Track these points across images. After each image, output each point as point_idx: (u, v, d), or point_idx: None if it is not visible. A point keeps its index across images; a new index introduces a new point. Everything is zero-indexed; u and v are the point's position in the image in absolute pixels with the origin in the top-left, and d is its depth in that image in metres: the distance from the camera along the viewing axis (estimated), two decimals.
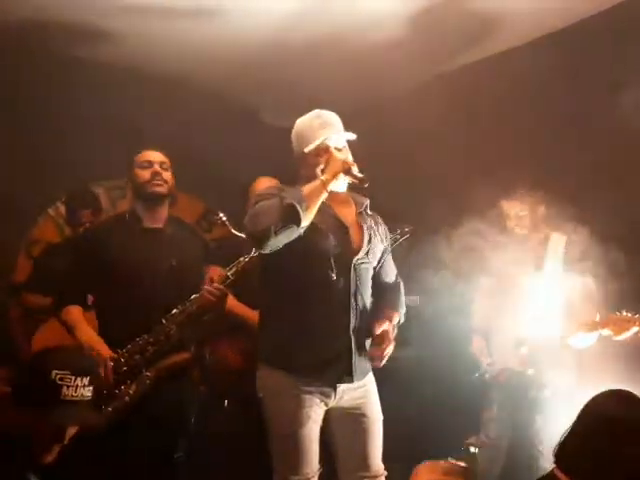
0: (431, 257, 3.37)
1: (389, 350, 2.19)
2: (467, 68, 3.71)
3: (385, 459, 2.27)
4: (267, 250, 2.04)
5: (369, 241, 2.25)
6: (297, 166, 2.28)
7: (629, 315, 2.52)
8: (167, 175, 2.60)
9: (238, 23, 3.29)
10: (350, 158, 2.21)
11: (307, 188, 2.08)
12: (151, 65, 3.73)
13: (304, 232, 2.07)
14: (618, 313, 2.54)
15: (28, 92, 3.49)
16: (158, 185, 2.55)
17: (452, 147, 3.39)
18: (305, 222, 2.02)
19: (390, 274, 2.42)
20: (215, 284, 2.43)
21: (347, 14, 3.20)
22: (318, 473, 2.18)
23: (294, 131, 2.29)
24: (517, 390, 2.96)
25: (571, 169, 3.09)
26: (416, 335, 3.53)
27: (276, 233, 1.98)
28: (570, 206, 2.95)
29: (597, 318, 2.66)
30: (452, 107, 3.34)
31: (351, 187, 2.28)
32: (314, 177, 2.16)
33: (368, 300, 2.25)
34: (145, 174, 2.56)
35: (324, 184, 2.08)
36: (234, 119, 4.17)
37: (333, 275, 2.13)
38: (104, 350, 2.37)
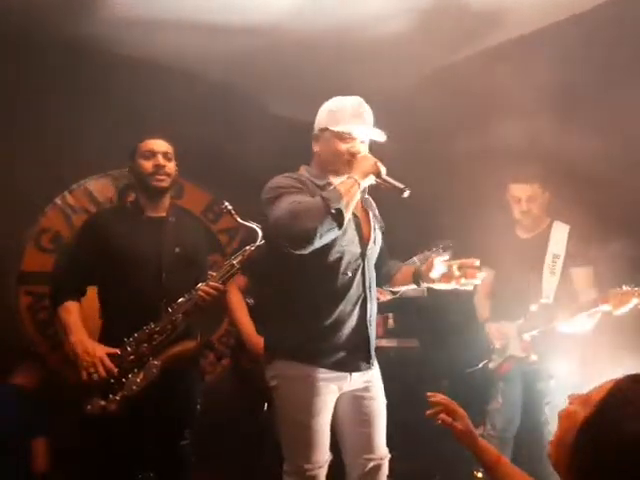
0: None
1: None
2: (471, 59, 3.69)
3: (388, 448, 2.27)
4: (307, 251, 1.98)
5: (374, 229, 2.27)
6: (313, 140, 2.24)
7: (628, 288, 2.50)
8: (170, 167, 2.57)
9: (247, 13, 3.29)
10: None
11: (343, 188, 2.01)
12: (159, 55, 3.73)
13: None
14: (618, 288, 2.53)
15: (33, 82, 3.49)
16: (160, 180, 2.54)
17: (457, 139, 3.38)
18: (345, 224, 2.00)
19: (384, 253, 2.43)
20: (212, 282, 2.41)
21: (357, 4, 3.18)
22: (329, 461, 2.19)
23: (326, 105, 2.23)
24: (523, 380, 2.96)
25: (576, 158, 3.08)
26: (422, 326, 3.54)
27: (321, 236, 1.94)
28: (574, 195, 2.96)
29: None
30: (457, 99, 3.33)
31: None
32: (325, 156, 2.17)
33: (375, 285, 2.29)
34: (147, 166, 2.53)
35: (358, 183, 2.03)
36: (242, 110, 4.16)
37: (349, 273, 2.14)
38: (98, 350, 2.36)
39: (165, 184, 2.56)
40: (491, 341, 3.04)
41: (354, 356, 2.17)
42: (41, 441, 3.05)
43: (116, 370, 2.36)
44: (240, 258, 2.44)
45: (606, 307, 2.55)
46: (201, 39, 3.56)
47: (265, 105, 4.44)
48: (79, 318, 2.46)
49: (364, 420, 2.23)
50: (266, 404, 2.84)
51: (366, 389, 2.24)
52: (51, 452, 3.07)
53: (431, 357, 3.50)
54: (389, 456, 2.26)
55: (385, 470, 2.25)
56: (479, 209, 3.22)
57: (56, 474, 3.04)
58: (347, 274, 2.14)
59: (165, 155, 2.56)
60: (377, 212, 2.40)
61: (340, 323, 2.14)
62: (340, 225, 1.96)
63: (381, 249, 2.38)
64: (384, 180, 2.09)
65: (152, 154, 2.54)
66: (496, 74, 3.32)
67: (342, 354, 2.14)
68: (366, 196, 2.32)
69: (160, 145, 2.57)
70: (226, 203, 2.54)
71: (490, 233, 3.16)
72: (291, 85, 3.94)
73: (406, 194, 2.07)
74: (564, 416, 1.21)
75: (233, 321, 2.91)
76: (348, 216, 2.01)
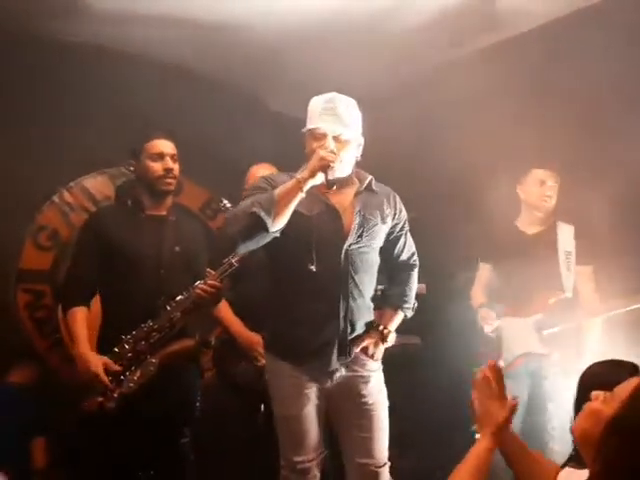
0: (440, 244, 3.36)
1: (376, 356, 2.24)
2: (483, 51, 3.66)
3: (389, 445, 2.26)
4: (241, 252, 2.12)
5: (361, 224, 2.18)
6: (304, 141, 2.23)
7: None
8: (176, 169, 2.57)
9: (244, 7, 3.26)
10: (345, 153, 2.13)
11: (281, 190, 2.02)
12: (158, 52, 3.71)
13: (291, 220, 2.04)
14: None
15: (30, 80, 3.47)
16: (169, 183, 2.54)
17: (467, 131, 3.37)
18: (276, 227, 2.00)
19: (401, 254, 2.36)
20: (210, 281, 2.41)
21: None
22: (321, 456, 2.20)
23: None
24: (529, 377, 2.94)
25: (582, 158, 3.06)
26: (422, 323, 3.51)
27: (243, 240, 2.02)
28: (578, 195, 2.94)
29: None
30: (467, 91, 3.30)
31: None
32: (309, 156, 2.14)
33: (367, 283, 2.22)
34: (157, 168, 2.51)
35: (299, 184, 2.01)
36: (241, 106, 4.14)
37: (313, 267, 2.10)
38: (94, 363, 2.33)
39: (172, 187, 2.57)
40: (483, 320, 2.98)
41: (324, 354, 2.14)
42: (40, 439, 3.04)
43: (109, 380, 2.33)
44: (238, 256, 2.43)
45: None
46: (200, 36, 3.55)
47: (265, 102, 4.43)
48: (84, 325, 2.43)
49: (360, 424, 2.20)
50: (262, 405, 2.82)
51: (363, 393, 2.20)
52: (51, 451, 3.07)
53: (433, 354, 3.49)
54: (388, 463, 2.23)
55: (383, 477, 2.21)
56: (477, 205, 3.22)
57: (56, 473, 3.04)
58: (314, 268, 2.10)
59: (172, 157, 2.55)
60: (388, 210, 2.27)
61: (308, 318, 2.13)
62: (264, 230, 1.98)
63: (393, 262, 2.35)
64: (326, 179, 2.05)
65: (161, 156, 2.52)
66: (490, 73, 3.31)
67: (311, 351, 2.13)
68: (375, 188, 2.26)
69: (168, 147, 2.56)
70: (225, 201, 2.55)
71: (489, 228, 3.16)
72: (291, 82, 3.92)
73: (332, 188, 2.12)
74: (588, 413, 1.26)
75: (219, 320, 2.87)
76: (282, 220, 2.00)
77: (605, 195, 2.85)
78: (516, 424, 2.97)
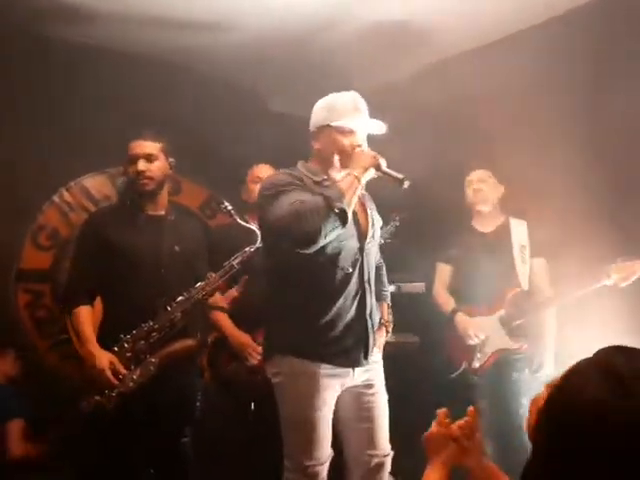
0: (437, 244, 3.38)
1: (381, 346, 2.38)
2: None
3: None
4: (311, 250, 2.00)
5: (372, 222, 2.28)
6: (312, 138, 2.23)
7: (629, 262, 2.58)
8: (153, 169, 2.52)
9: (245, 6, 3.27)
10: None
11: (344, 185, 2.03)
12: (157, 52, 3.71)
13: None
14: (618, 262, 2.59)
15: (32, 80, 3.48)
16: (143, 185, 2.52)
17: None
18: (348, 221, 2.02)
19: (377, 254, 2.46)
20: (211, 282, 2.46)
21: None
22: (330, 458, 2.18)
23: (323, 102, 2.23)
24: (497, 373, 2.96)
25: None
26: (420, 322, 3.53)
27: (326, 235, 1.97)
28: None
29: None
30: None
31: None
32: (327, 153, 2.17)
33: (374, 280, 2.30)
34: (132, 170, 2.52)
35: (358, 179, 2.05)
36: (241, 106, 4.15)
37: (349, 268, 2.14)
38: (104, 360, 2.35)
39: (148, 188, 2.54)
40: (468, 334, 2.99)
41: (355, 351, 2.17)
42: (17, 422, 2.99)
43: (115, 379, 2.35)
44: (240, 259, 2.46)
45: (609, 281, 2.60)
46: (201, 37, 3.55)
47: (264, 102, 4.43)
48: (90, 323, 2.45)
49: (367, 416, 2.23)
50: (252, 403, 2.83)
51: (369, 385, 2.24)
52: (50, 450, 3.06)
53: (431, 353, 3.50)
54: (391, 453, 2.26)
55: (387, 467, 2.25)
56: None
57: (55, 472, 3.04)
58: (346, 269, 2.14)
59: (148, 157, 2.52)
60: (376, 210, 2.40)
61: (340, 318, 2.14)
62: (344, 223, 1.99)
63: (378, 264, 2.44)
64: (384, 172, 2.11)
65: (135, 158, 2.51)
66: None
67: (343, 349, 2.14)
68: (363, 191, 2.30)
69: (142, 147, 2.53)
70: (226, 203, 2.56)
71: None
72: (292, 81, 3.93)
73: (406, 184, 2.09)
74: (530, 402, 1.24)
75: (212, 320, 2.87)
76: (350, 214, 2.02)
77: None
78: (494, 423, 3.01)
